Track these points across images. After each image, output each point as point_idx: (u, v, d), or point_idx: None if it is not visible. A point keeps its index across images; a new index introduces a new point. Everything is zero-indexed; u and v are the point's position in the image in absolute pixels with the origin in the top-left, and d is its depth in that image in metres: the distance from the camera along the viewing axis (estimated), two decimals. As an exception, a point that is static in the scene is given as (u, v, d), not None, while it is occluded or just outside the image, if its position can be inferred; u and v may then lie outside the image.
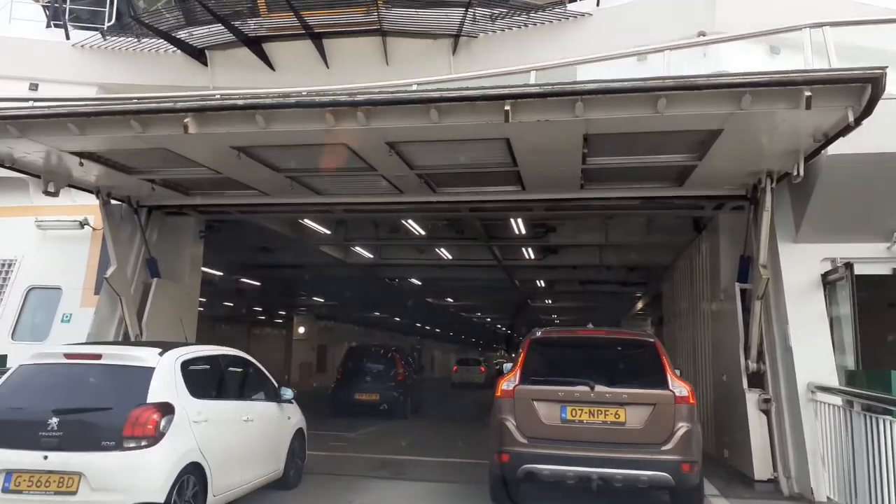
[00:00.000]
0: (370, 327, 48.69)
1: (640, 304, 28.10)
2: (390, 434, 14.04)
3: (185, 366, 6.55)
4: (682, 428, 6.90)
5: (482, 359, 40.47)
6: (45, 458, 5.64)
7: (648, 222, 13.76)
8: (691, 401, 7.04)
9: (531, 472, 6.93)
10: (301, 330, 37.73)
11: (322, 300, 28.90)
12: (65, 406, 5.89)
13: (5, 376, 6.42)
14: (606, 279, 19.95)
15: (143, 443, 5.72)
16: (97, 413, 5.93)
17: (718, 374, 10.61)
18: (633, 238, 14.10)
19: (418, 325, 47.38)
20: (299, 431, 8.68)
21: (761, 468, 8.55)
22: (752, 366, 9.03)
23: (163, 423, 5.86)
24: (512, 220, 13.23)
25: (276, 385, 8.34)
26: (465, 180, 9.78)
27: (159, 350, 6.44)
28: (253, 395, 7.85)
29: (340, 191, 10.30)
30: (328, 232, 14.48)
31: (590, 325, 8.69)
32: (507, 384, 7.29)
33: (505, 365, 8.35)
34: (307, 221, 13.71)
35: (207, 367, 7.19)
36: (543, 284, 22.54)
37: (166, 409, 5.95)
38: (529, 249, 16.37)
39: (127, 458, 5.65)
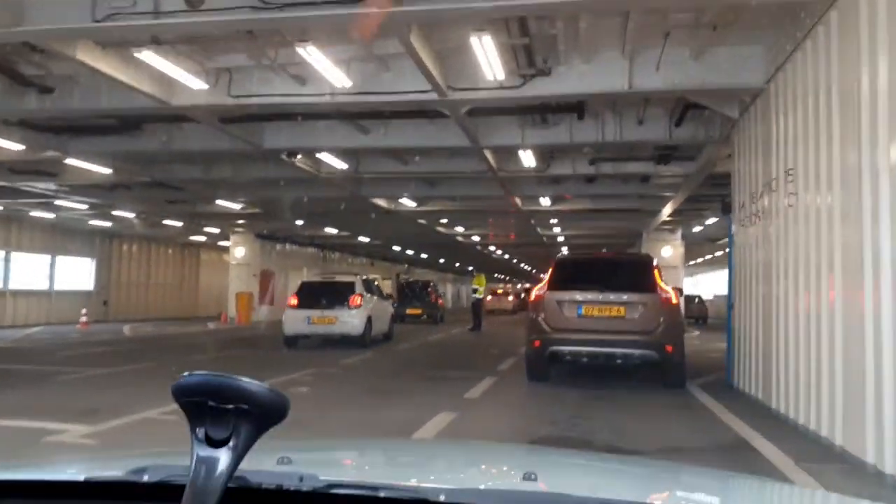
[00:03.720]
0: (341, 251, 41.17)
1: (669, 208, 20.37)
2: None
3: (364, 281, 17.28)
4: (666, 321, 9.33)
5: (511, 291, 48.83)
6: (338, 314, 15.91)
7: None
8: (674, 301, 9.57)
9: (556, 352, 9.65)
10: (240, 253, 30.44)
11: (229, 204, 21.16)
12: (327, 295, 16.00)
13: (297, 286, 17.14)
14: (635, 144, 12.19)
15: (356, 307, 15.85)
16: (340, 296, 15.97)
17: None
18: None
19: (396, 248, 39.84)
20: (392, 314, 19.13)
21: None
22: None
23: (361, 300, 16.02)
24: None
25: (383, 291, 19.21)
26: None
27: (355, 274, 18.25)
28: (376, 296, 17.61)
29: None
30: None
31: (604, 250, 12.54)
32: (539, 291, 10.04)
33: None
34: None
35: (368, 281, 17.95)
36: (534, 163, 14.33)
37: (362, 296, 16.18)
38: (489, 54, 8.28)
39: (351, 312, 15.83)
